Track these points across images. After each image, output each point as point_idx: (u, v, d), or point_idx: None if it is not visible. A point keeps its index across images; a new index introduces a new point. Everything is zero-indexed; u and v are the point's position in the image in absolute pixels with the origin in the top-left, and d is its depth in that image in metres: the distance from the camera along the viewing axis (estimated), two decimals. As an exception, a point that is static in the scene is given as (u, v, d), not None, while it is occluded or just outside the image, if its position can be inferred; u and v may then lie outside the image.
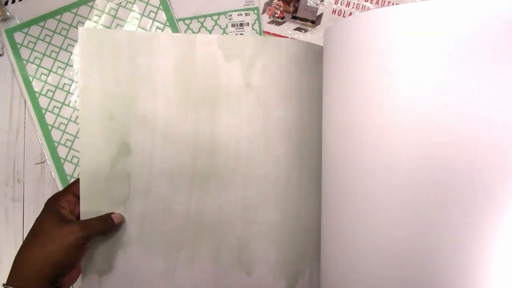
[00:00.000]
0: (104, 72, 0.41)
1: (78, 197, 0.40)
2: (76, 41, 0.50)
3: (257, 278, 0.42)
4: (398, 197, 0.33)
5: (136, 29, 0.50)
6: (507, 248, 0.29)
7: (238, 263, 0.42)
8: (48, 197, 0.48)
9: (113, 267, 0.41)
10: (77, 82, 0.50)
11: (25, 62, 0.50)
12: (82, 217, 0.40)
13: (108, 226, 0.39)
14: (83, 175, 0.41)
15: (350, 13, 0.49)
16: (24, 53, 0.50)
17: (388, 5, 0.49)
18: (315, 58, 0.43)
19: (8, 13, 0.50)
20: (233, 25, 0.49)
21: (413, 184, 0.32)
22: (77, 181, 0.40)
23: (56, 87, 0.50)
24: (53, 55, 0.50)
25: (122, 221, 0.40)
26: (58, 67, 0.50)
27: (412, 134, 0.32)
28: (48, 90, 0.50)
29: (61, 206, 0.39)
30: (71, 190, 0.40)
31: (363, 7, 0.49)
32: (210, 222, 0.42)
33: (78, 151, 0.49)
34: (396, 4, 0.49)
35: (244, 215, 0.42)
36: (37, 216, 0.38)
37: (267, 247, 0.42)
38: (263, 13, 0.50)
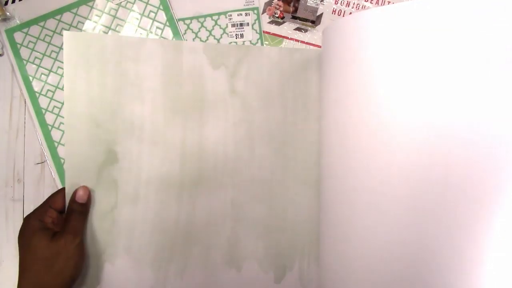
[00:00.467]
0: (90, 78, 0.40)
1: (57, 210, 0.39)
2: (76, 41, 0.50)
3: (246, 273, 0.42)
4: (393, 196, 0.33)
5: (136, 29, 0.50)
6: (498, 249, 0.29)
7: (228, 261, 0.42)
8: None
9: (101, 281, 0.40)
10: (77, 82, 0.49)
11: (25, 62, 0.50)
12: None
13: (85, 209, 0.39)
14: (68, 183, 0.40)
15: (350, 13, 0.49)
16: (24, 53, 0.50)
17: (387, 5, 0.49)
18: (300, 63, 0.44)
19: (8, 13, 0.50)
20: (233, 25, 0.49)
21: (409, 183, 0.32)
22: (53, 194, 0.40)
23: (56, 87, 0.50)
24: (53, 55, 0.50)
25: (88, 192, 0.39)
26: (58, 67, 0.50)
27: (410, 134, 0.32)
28: (48, 90, 0.50)
29: (45, 222, 0.38)
30: (49, 204, 0.40)
31: (363, 7, 0.49)
32: (200, 225, 0.42)
33: (78, 151, 0.49)
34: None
35: (232, 214, 0.43)
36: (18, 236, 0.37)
37: (255, 243, 0.43)
38: (263, 13, 0.50)
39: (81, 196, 0.39)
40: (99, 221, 0.40)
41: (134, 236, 0.41)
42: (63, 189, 0.41)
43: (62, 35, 0.50)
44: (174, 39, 0.50)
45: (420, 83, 0.32)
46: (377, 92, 0.34)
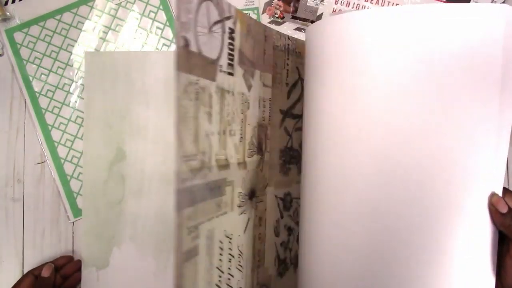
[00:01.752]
0: (104, 89, 0.48)
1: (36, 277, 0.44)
2: (76, 41, 0.50)
3: None
4: (357, 202, 0.33)
5: (136, 29, 0.50)
6: (463, 252, 0.30)
7: None
8: (48, 197, 0.49)
9: (109, 263, 0.47)
10: (76, 82, 0.50)
11: (25, 62, 0.50)
12: (84, 217, 0.47)
13: (49, 282, 0.44)
14: (85, 176, 0.47)
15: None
16: (24, 53, 0.50)
17: (387, 5, 0.49)
18: None
19: (8, 13, 0.50)
20: (233, 25, 0.49)
21: (376, 188, 0.32)
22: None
23: (56, 87, 0.50)
24: (53, 55, 0.50)
25: (51, 269, 0.44)
26: (58, 67, 0.50)
27: (381, 137, 0.32)
28: (48, 90, 0.50)
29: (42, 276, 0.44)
30: (33, 273, 0.44)
31: (363, 7, 0.49)
32: None
33: (78, 151, 0.49)
34: (396, 4, 0.49)
35: None
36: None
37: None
38: (263, 13, 0.50)
39: (44, 273, 0.44)
40: (109, 211, 0.47)
41: (138, 226, 0.47)
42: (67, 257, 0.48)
43: (62, 35, 0.50)
44: (174, 39, 0.49)
45: (403, 88, 0.32)
46: (359, 97, 0.34)
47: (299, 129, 0.43)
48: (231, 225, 0.33)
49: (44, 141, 0.49)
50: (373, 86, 0.33)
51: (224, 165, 0.32)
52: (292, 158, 0.42)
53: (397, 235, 0.32)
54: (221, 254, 0.31)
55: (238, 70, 0.33)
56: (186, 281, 0.27)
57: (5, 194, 0.49)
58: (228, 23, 0.31)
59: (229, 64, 0.32)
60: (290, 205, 0.42)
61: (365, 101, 0.33)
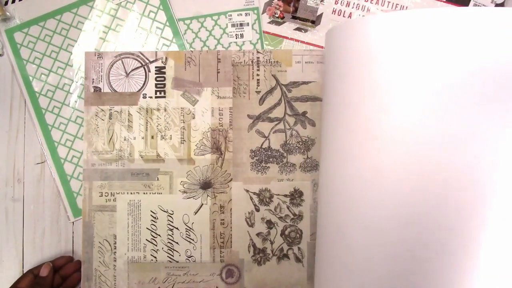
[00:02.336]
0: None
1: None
2: (76, 41, 0.50)
3: None
4: (386, 216, 0.33)
5: (136, 29, 0.50)
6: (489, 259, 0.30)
7: None
8: (48, 197, 0.48)
9: None
10: (77, 82, 0.50)
11: (25, 62, 0.50)
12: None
13: (44, 282, 0.44)
14: None
15: (350, 13, 0.49)
16: (24, 53, 0.50)
17: (388, 5, 0.49)
18: None
19: (8, 13, 0.50)
20: (233, 25, 0.49)
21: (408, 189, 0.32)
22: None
23: (56, 87, 0.50)
24: (53, 55, 0.50)
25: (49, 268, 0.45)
26: (58, 67, 0.50)
27: (407, 148, 0.32)
28: (48, 90, 0.50)
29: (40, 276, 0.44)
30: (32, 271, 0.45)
31: (363, 7, 0.49)
32: None
33: (78, 151, 0.49)
34: (396, 4, 0.49)
35: None
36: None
37: None
38: (263, 13, 0.50)
39: (41, 272, 0.44)
40: None
41: None
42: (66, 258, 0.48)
43: (62, 35, 0.50)
44: (174, 39, 0.49)
45: (425, 89, 0.32)
46: (382, 98, 0.34)
47: (279, 131, 0.47)
48: (168, 203, 0.47)
49: (44, 141, 0.49)
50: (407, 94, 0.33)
51: (154, 160, 0.47)
52: (271, 157, 0.47)
53: (428, 240, 0.32)
54: (153, 221, 0.47)
55: (173, 92, 0.48)
56: (99, 223, 0.47)
57: (5, 194, 0.49)
58: (154, 64, 0.48)
59: (158, 91, 0.48)
60: (270, 200, 0.47)
61: (401, 106, 0.33)
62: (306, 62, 0.48)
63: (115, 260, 0.47)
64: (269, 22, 0.50)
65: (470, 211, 0.30)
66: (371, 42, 0.34)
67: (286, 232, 0.47)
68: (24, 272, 0.47)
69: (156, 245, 0.47)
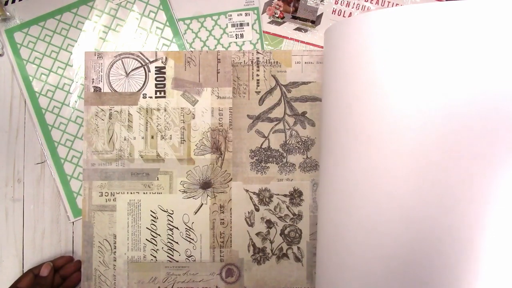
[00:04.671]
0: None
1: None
2: (76, 41, 0.50)
3: None
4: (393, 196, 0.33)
5: (136, 29, 0.50)
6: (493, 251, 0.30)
7: None
8: (48, 197, 0.48)
9: None
10: (77, 82, 0.50)
11: (25, 62, 0.50)
12: None
13: (45, 283, 0.44)
14: None
15: (350, 13, 0.49)
16: (24, 53, 0.50)
17: (388, 5, 0.49)
18: None
19: (8, 13, 0.50)
20: (233, 25, 0.49)
21: (412, 183, 0.32)
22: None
23: (56, 87, 0.50)
24: (53, 55, 0.50)
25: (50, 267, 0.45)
26: (58, 67, 0.50)
27: (415, 135, 0.32)
28: (48, 90, 0.50)
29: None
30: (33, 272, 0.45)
31: (363, 7, 0.49)
32: None
33: (78, 151, 0.49)
34: (396, 4, 0.49)
35: None
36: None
37: None
38: (263, 13, 0.50)
39: (42, 272, 0.44)
40: None
41: None
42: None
43: (62, 35, 0.50)
44: (174, 39, 0.49)
45: (425, 85, 0.32)
46: (382, 94, 0.34)
47: (278, 131, 0.47)
48: (168, 203, 0.47)
49: (44, 141, 0.49)
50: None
51: (154, 160, 0.47)
52: (270, 157, 0.47)
53: (430, 241, 0.32)
54: (153, 221, 0.47)
55: (173, 92, 0.48)
56: (99, 223, 0.47)
57: (5, 194, 0.49)
58: (154, 64, 0.48)
59: (158, 91, 0.48)
60: (270, 200, 0.47)
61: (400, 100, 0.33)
62: (305, 63, 0.48)
63: (115, 260, 0.47)
64: (269, 22, 0.50)
65: (469, 210, 0.30)
66: (369, 39, 0.34)
67: (286, 232, 0.47)
68: (24, 271, 0.47)
69: (156, 245, 0.47)
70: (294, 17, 0.50)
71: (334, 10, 0.49)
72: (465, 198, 0.30)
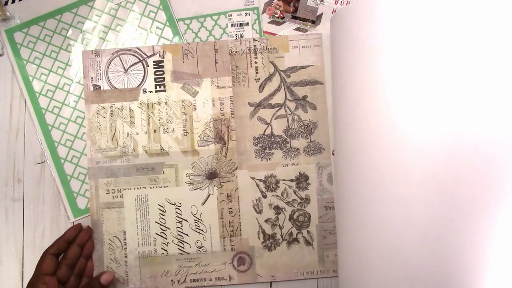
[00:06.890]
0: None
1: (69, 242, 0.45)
2: (76, 41, 0.50)
3: None
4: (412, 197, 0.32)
5: (136, 29, 0.50)
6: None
7: None
8: (48, 197, 0.48)
9: None
10: (77, 82, 0.50)
11: (25, 62, 0.50)
12: None
13: None
14: None
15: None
16: (24, 53, 0.50)
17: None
18: None
19: (8, 13, 0.50)
20: (233, 25, 0.49)
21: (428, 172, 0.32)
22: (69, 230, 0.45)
23: (56, 87, 0.50)
24: (53, 55, 0.50)
25: (113, 276, 0.46)
26: (58, 67, 0.50)
27: (424, 125, 0.32)
28: (48, 90, 0.50)
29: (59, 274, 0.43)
30: (65, 239, 0.45)
31: (363, 7, 0.49)
32: None
33: (78, 151, 0.49)
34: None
35: None
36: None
37: None
38: (263, 13, 0.50)
39: (105, 280, 0.45)
40: None
41: None
42: (78, 225, 0.47)
43: (62, 35, 0.50)
44: (174, 39, 0.49)
45: (434, 71, 0.31)
46: (389, 81, 0.33)
47: (280, 116, 0.48)
48: (175, 196, 0.47)
49: (44, 141, 0.49)
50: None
51: (158, 153, 0.48)
52: (274, 143, 0.48)
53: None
54: (162, 215, 0.47)
55: (173, 85, 0.48)
56: (108, 220, 0.47)
57: (5, 194, 0.49)
58: (152, 59, 0.48)
59: (158, 85, 0.48)
60: (277, 186, 0.47)
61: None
62: (303, 47, 0.48)
63: (126, 256, 0.47)
64: (269, 22, 0.50)
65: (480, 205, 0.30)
66: (376, 24, 0.34)
67: (295, 217, 0.47)
68: (24, 272, 0.46)
69: (166, 238, 0.47)
70: (294, 17, 0.49)
71: (334, 10, 0.49)
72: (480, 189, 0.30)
